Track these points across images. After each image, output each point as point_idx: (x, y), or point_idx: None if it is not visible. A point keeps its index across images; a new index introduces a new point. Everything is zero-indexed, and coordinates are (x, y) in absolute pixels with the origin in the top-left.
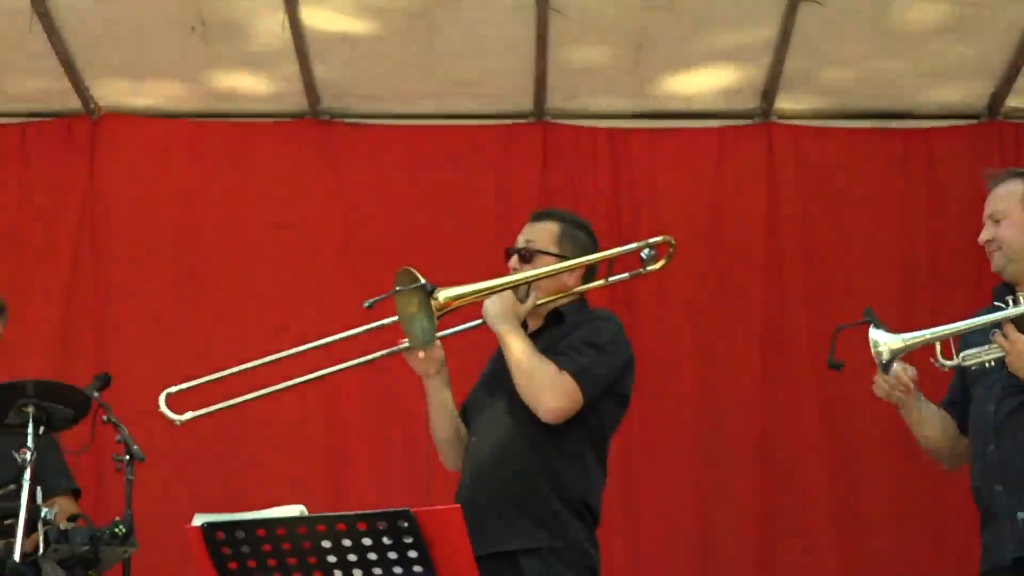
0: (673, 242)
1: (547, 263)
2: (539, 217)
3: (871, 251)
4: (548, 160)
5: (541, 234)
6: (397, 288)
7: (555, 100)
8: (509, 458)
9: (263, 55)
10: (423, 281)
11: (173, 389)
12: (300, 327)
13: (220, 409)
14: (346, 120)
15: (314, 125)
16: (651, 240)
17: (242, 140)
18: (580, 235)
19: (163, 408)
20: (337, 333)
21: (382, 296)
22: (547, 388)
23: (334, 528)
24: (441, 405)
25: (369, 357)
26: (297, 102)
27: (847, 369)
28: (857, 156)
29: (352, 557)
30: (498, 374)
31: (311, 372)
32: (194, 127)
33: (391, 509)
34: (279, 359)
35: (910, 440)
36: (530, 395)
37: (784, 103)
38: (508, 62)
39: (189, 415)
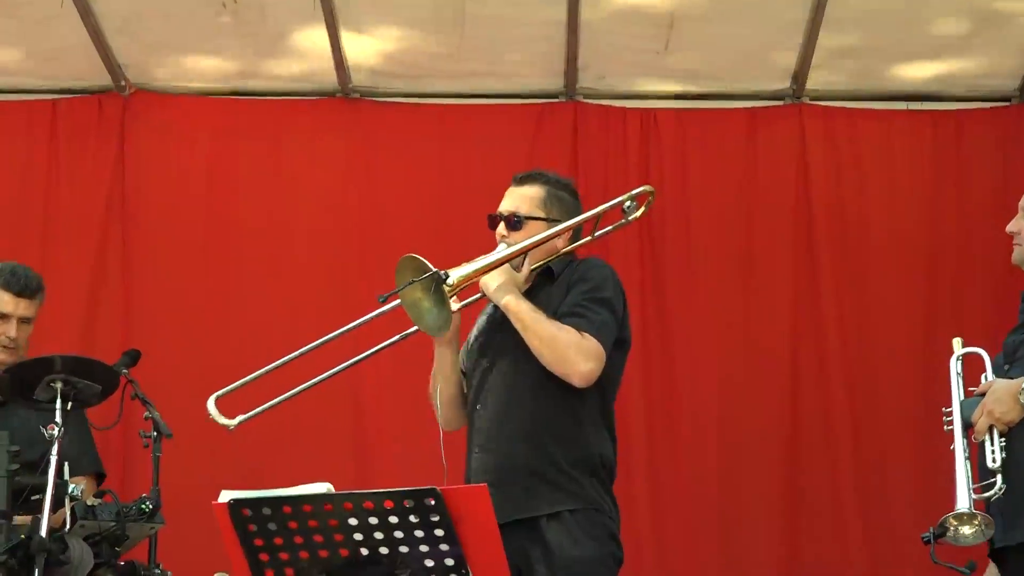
0: (652, 190)
1: (536, 228)
2: (522, 181)
3: (900, 233)
4: (579, 140)
5: (527, 199)
6: (412, 280)
7: (586, 80)
8: (520, 424)
9: (294, 33)
10: (434, 269)
11: (221, 392)
12: (330, 306)
13: (268, 409)
14: (376, 99)
15: (344, 104)
16: (633, 192)
17: (272, 118)
18: (565, 195)
19: (213, 412)
20: (367, 312)
21: (398, 289)
22: (575, 353)
23: (361, 506)
24: (452, 366)
25: (397, 337)
26: (327, 80)
27: (875, 352)
28: (888, 137)
29: (378, 535)
30: (493, 338)
31: (340, 353)
32: (225, 105)
33: (418, 487)
34: (319, 346)
35: (938, 423)
36: (557, 362)
37: (815, 84)
38: (539, 42)
39: (240, 419)
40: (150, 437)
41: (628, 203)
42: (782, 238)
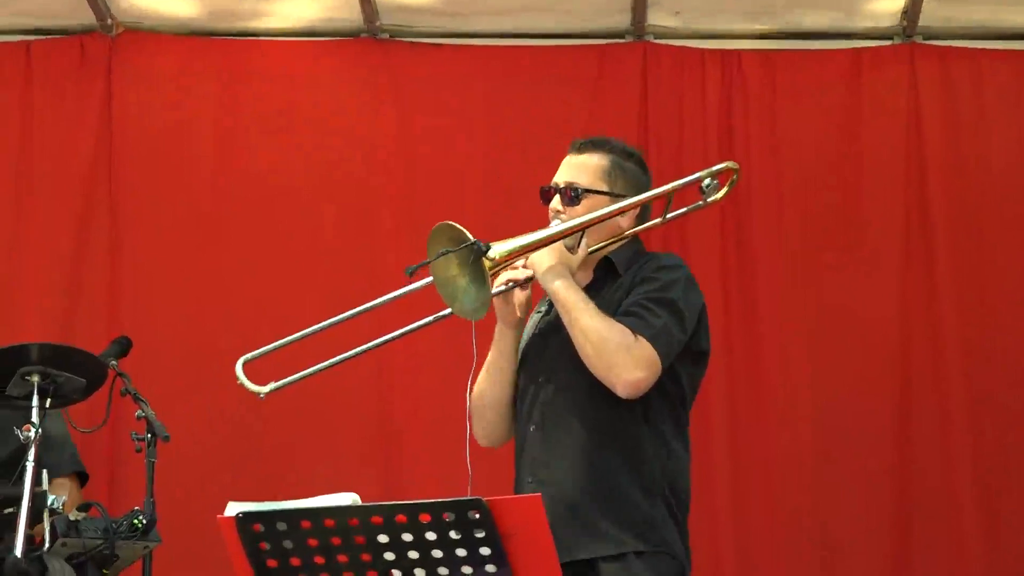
0: (737, 168)
1: (597, 203)
2: (582, 149)
3: None
4: (648, 88)
5: (587, 169)
6: (445, 250)
7: (657, 16)
8: (580, 449)
9: None
10: (473, 239)
11: (250, 356)
12: (355, 282)
13: (303, 378)
14: (409, 40)
15: (371, 45)
16: (713, 168)
17: (285, 62)
18: (631, 167)
19: (241, 378)
20: (394, 283)
21: (429, 259)
22: (624, 357)
23: (392, 520)
24: (511, 358)
25: (431, 319)
26: (351, 18)
27: (1001, 337)
28: (1018, 84)
29: (413, 554)
30: (548, 347)
31: (366, 336)
32: (230, 47)
33: (460, 498)
34: (347, 319)
35: None
36: (602, 365)
37: (930, 19)
38: None
39: (272, 386)
40: (143, 440)
41: (708, 181)
42: (891, 204)
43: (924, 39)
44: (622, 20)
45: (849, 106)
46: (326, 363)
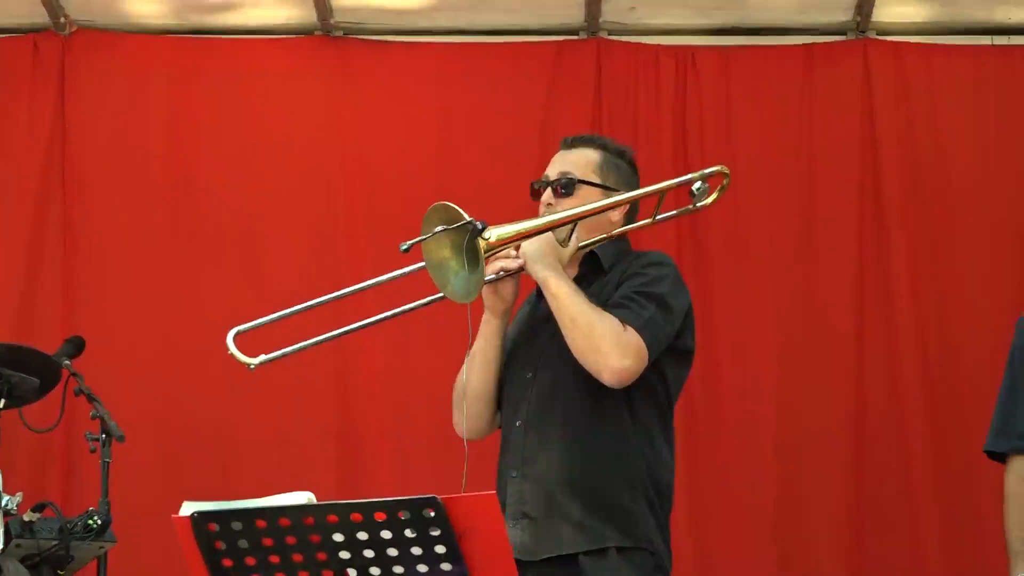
0: (728, 172)
1: (590, 195)
2: (574, 144)
3: (987, 192)
4: (603, 85)
5: (579, 163)
6: (440, 227)
7: (611, 13)
8: (565, 444)
9: None
10: (470, 218)
11: (242, 327)
12: (311, 282)
13: (292, 352)
14: (363, 37)
15: (325, 42)
16: (705, 171)
17: (240, 61)
18: (622, 164)
19: (232, 349)
20: (354, 282)
21: (424, 237)
22: (611, 345)
23: (348, 519)
24: (497, 347)
25: (427, 300)
26: (305, 15)
27: (957, 334)
28: (969, 77)
29: (369, 553)
30: (536, 342)
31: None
32: (183, 45)
33: (415, 496)
34: (357, 291)
35: None
36: (590, 353)
37: (883, 15)
38: None
39: (262, 358)
40: (98, 440)
41: (699, 184)
42: (845, 200)
43: (877, 34)
44: (576, 16)
45: (803, 102)
46: (318, 338)
